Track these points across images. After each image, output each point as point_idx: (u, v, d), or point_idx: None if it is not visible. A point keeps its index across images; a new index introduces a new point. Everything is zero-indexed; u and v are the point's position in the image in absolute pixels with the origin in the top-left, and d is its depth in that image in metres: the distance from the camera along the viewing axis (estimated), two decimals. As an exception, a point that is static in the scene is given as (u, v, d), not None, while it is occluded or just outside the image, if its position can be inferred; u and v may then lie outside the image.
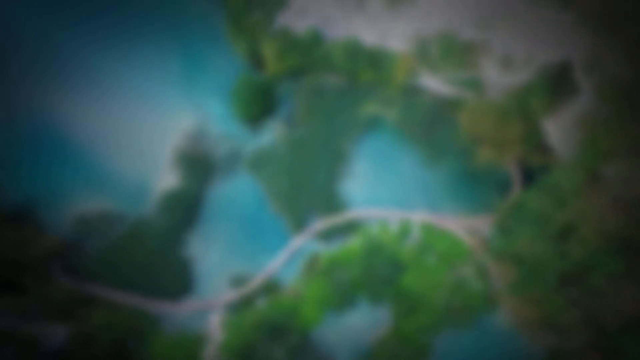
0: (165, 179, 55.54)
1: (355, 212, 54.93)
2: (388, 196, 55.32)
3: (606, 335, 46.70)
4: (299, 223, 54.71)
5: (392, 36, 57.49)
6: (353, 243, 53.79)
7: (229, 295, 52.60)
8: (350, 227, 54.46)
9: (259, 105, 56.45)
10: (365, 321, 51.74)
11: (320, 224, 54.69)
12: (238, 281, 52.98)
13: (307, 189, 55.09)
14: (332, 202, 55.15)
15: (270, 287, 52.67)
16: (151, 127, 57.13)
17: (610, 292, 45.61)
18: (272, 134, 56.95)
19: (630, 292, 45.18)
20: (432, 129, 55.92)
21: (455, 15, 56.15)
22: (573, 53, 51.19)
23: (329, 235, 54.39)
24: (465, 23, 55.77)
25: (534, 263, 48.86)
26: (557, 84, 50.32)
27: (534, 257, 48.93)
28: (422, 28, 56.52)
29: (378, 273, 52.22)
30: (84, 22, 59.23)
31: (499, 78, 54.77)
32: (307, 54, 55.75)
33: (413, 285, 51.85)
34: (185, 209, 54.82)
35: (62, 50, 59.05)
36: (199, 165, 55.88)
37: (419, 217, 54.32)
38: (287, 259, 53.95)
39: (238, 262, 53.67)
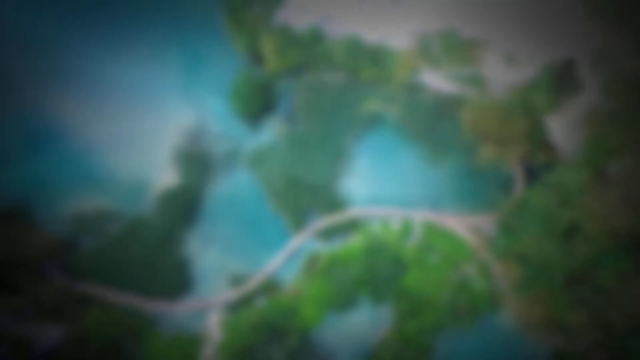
0: (164, 176, 54.69)
1: (356, 211, 54.03)
2: (389, 194, 54.45)
3: (613, 335, 45.68)
4: (299, 221, 53.76)
5: (394, 33, 56.88)
6: (354, 242, 52.85)
7: (228, 294, 51.60)
8: (351, 226, 53.52)
9: (258, 102, 55.65)
10: (366, 321, 50.70)
11: (320, 222, 53.77)
12: (237, 280, 52.00)
13: (307, 187, 54.18)
14: (332, 201, 54.24)
15: (270, 287, 51.68)
16: (149, 124, 56.38)
17: (618, 291, 44.67)
18: (272, 131, 56.15)
19: (638, 290, 44.23)
20: (434, 126, 55.14)
21: (458, 11, 55.62)
22: (578, 48, 50.57)
23: (329, 233, 53.46)
24: (467, 18, 55.23)
25: (539, 262, 47.92)
26: (561, 80, 49.63)
27: (538, 256, 48.00)
28: (424, 24, 55.94)
29: (379, 272, 51.26)
30: (82, 20, 58.69)
31: (502, 75, 54.16)
32: (308, 50, 55.02)
33: (415, 285, 50.87)
34: (184, 207, 53.90)
35: (59, 47, 58.39)
36: (198, 163, 55.04)
37: (421, 215, 53.43)
38: (287, 258, 52.99)
39: (237, 261, 52.72)
